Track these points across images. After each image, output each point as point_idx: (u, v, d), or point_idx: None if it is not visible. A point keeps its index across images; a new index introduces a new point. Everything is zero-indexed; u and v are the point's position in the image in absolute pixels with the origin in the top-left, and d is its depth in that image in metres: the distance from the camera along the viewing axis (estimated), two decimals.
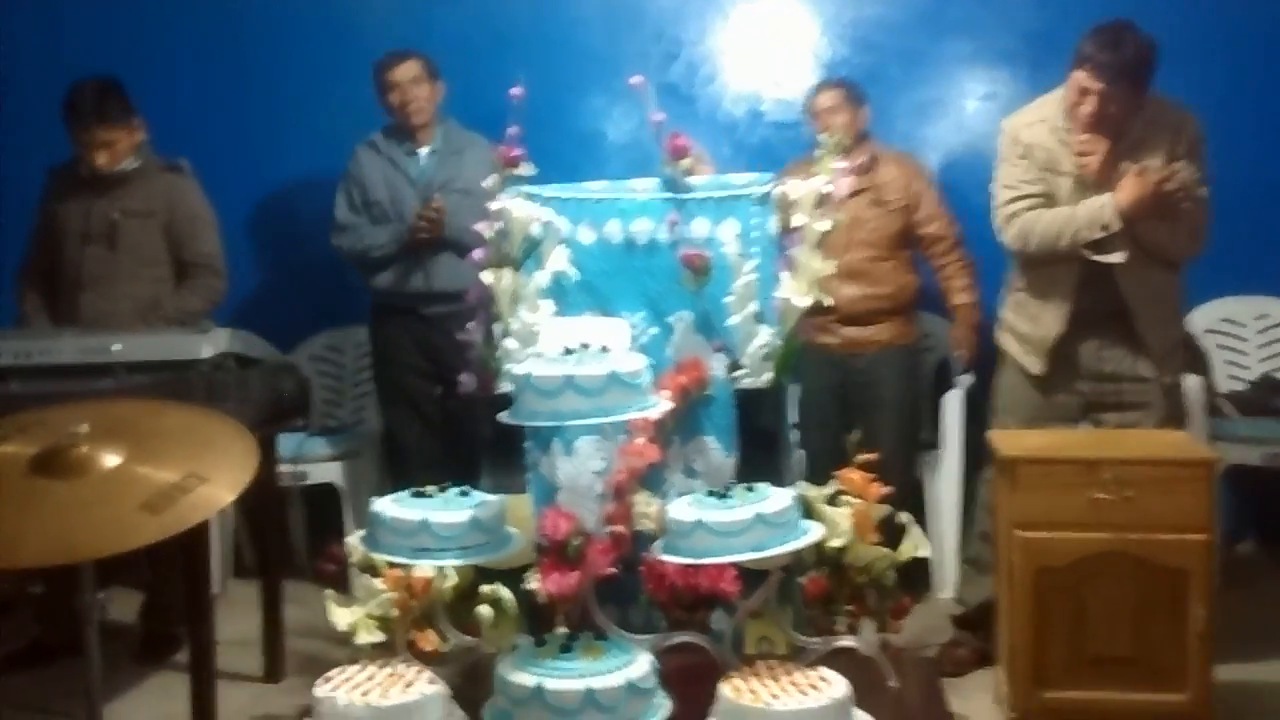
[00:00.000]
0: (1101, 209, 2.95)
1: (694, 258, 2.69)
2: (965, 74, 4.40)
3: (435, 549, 2.10)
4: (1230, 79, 4.14)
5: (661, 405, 2.35)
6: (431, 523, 2.11)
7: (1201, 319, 4.25)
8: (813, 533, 2.25)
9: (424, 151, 3.94)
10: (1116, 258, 2.96)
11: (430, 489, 2.26)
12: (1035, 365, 3.09)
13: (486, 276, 2.70)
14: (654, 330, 2.83)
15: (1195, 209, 3.00)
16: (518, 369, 2.25)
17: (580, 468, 2.82)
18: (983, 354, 3.74)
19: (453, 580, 2.43)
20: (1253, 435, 3.85)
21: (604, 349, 2.29)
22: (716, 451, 2.76)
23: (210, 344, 2.98)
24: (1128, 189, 2.92)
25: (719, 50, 4.48)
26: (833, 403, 3.82)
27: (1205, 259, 4.17)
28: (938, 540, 3.91)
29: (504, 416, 2.26)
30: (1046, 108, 3.11)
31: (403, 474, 3.70)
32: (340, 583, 2.61)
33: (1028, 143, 3.12)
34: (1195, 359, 4.09)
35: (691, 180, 2.84)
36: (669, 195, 2.81)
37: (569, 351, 2.27)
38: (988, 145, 3.69)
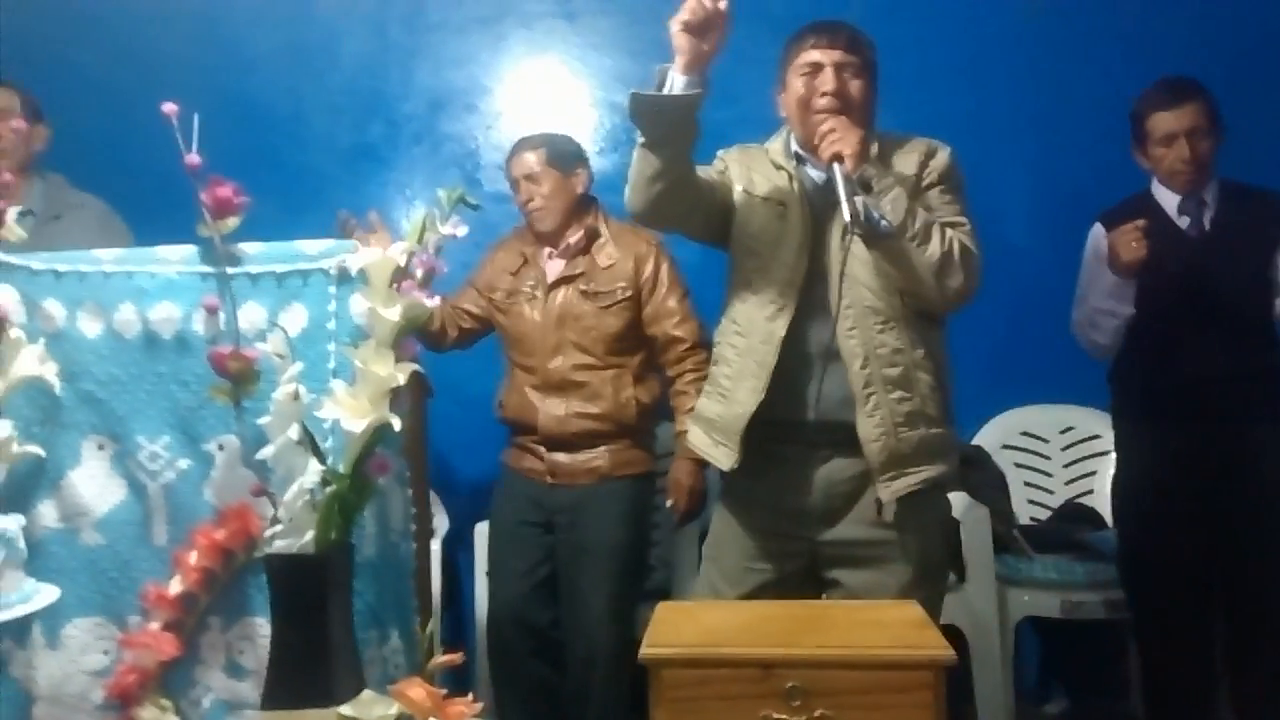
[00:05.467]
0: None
1: (225, 358, 1.85)
2: None
3: None
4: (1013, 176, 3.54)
5: (43, 596, 1.47)
6: None
7: (996, 433, 3.58)
8: None
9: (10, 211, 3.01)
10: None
11: None
12: (726, 459, 2.21)
13: None
14: (185, 463, 1.97)
15: (957, 232, 2.14)
16: None
17: (70, 666, 1.94)
18: None
19: None
20: (1049, 579, 3.14)
21: None
22: None
23: None
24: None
25: (437, 103, 3.71)
26: (529, 546, 3.00)
27: (1003, 365, 3.58)
28: None
29: None
30: (769, 143, 2.33)
31: None
32: None
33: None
34: (988, 481, 3.40)
35: (248, 250, 2.01)
36: (206, 269, 1.98)
37: None
38: None
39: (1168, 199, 2.83)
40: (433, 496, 3.35)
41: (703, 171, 2.24)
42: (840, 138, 2.10)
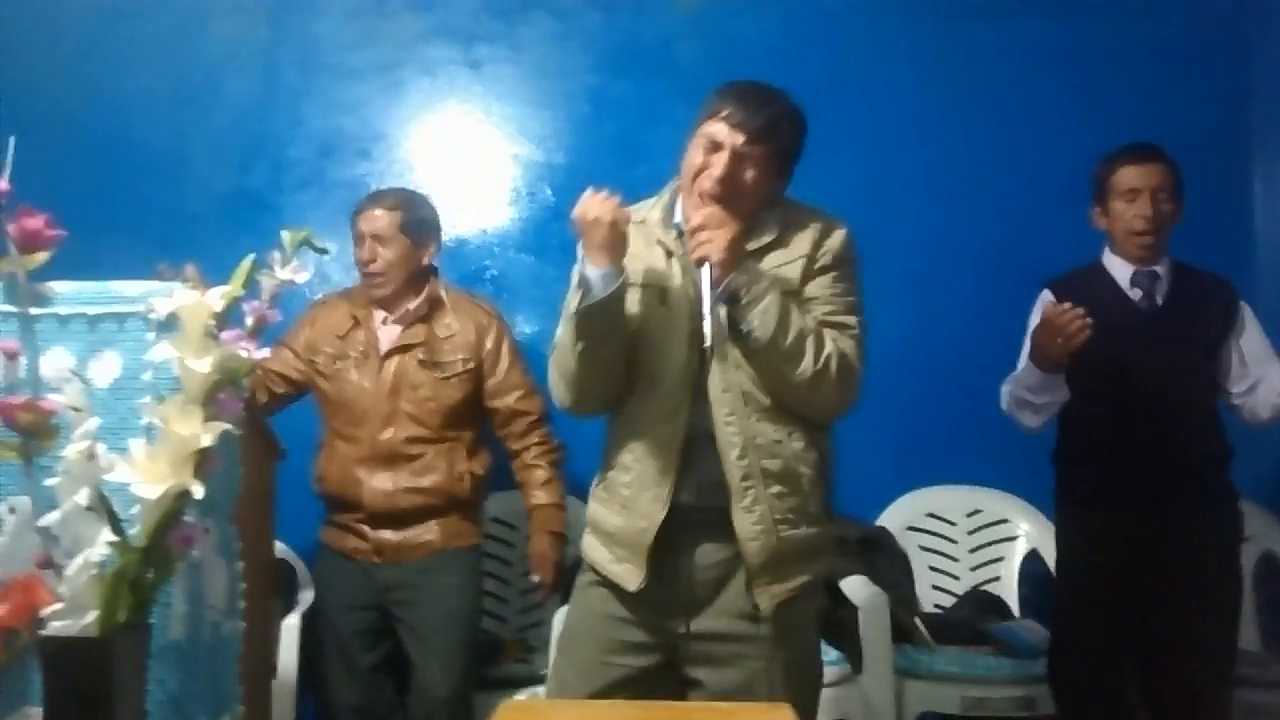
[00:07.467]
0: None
1: (15, 409, 1.62)
2: None
3: None
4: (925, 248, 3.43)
5: None
6: None
7: (901, 514, 3.42)
8: None
9: None
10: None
11: None
12: (631, 578, 2.02)
13: None
14: None
15: (841, 339, 1.99)
16: None
17: None
18: None
19: None
20: (950, 673, 2.96)
21: None
22: None
23: None
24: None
25: (327, 148, 3.52)
26: (362, 632, 2.81)
27: (910, 443, 3.43)
28: None
29: None
30: (647, 209, 2.13)
31: None
32: None
33: None
34: (891, 565, 3.24)
35: (58, 289, 1.80)
36: (7, 309, 1.77)
37: None
38: None
39: (1120, 269, 2.70)
40: (299, 566, 3.11)
41: None
42: (709, 239, 1.92)
